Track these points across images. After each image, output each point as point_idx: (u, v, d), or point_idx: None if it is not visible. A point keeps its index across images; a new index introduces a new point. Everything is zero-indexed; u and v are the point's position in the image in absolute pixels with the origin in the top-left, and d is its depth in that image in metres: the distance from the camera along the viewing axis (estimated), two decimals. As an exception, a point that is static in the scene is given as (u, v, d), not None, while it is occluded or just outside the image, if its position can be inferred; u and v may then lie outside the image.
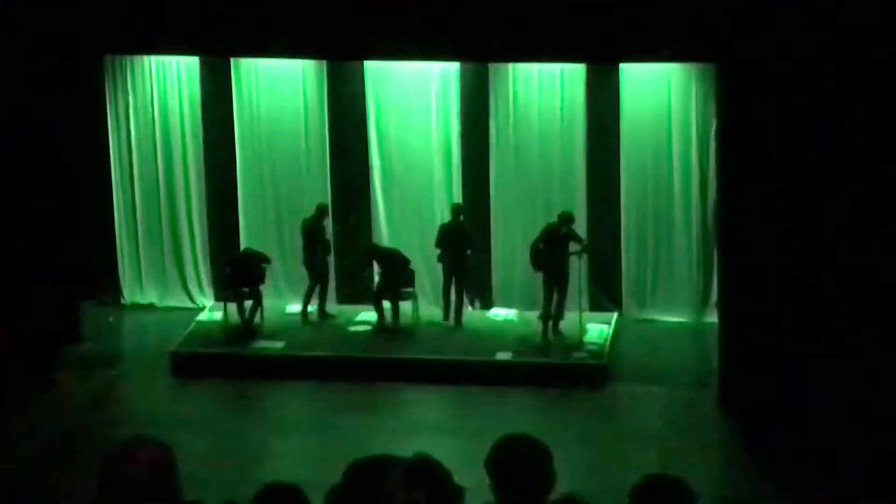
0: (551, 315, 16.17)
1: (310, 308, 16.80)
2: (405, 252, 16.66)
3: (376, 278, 16.90)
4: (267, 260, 16.70)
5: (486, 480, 5.07)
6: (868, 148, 12.30)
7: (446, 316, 16.72)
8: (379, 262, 16.70)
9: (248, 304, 16.53)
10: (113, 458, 3.87)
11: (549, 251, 15.93)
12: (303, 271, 16.87)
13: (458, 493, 5.14)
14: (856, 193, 12.48)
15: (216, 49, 15.88)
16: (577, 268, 16.04)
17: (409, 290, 16.56)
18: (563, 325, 16.25)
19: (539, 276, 16.15)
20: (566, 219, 15.91)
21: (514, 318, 16.91)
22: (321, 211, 16.63)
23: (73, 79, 16.69)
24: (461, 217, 16.53)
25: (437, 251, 16.56)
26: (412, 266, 16.62)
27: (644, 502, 5.59)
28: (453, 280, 16.57)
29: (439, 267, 16.79)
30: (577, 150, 16.81)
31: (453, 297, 16.66)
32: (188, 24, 14.11)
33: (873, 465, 11.74)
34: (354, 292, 17.36)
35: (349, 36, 14.17)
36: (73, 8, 13.64)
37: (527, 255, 16.19)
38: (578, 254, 15.93)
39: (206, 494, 6.94)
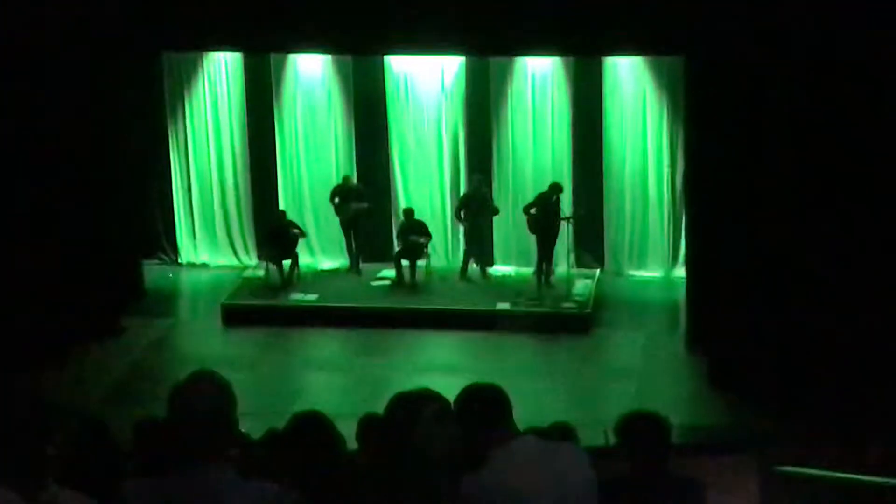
0: (543, 271, 16.18)
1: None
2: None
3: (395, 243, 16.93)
4: (302, 232, 16.69)
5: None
6: (824, 116, 12.19)
7: (463, 274, 16.70)
8: (402, 231, 16.66)
9: (286, 263, 16.57)
10: (180, 390, 3.85)
11: (542, 216, 15.92)
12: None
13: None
14: (807, 161, 12.40)
15: (257, 46, 15.83)
16: (566, 231, 16.04)
17: (422, 240, 16.46)
18: (553, 279, 16.26)
19: (533, 237, 16.18)
20: (556, 188, 15.91)
21: (512, 274, 16.91)
22: (480, 182, 16.46)
23: (139, 71, 16.65)
24: (481, 187, 16.50)
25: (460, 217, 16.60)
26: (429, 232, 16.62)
27: (627, 434, 5.61)
28: (477, 242, 16.56)
29: (450, 230, 16.86)
30: (565, 130, 16.76)
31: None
32: (233, 24, 14.04)
33: (826, 401, 11.70)
34: (376, 253, 17.37)
35: (370, 33, 14.10)
36: (134, 10, 13.56)
37: (522, 220, 16.20)
38: (567, 220, 15.93)
39: (251, 422, 6.98)
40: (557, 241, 16.08)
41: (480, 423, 4.54)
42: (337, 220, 16.95)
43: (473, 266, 16.85)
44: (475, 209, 16.49)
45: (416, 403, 4.55)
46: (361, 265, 17.17)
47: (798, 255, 12.58)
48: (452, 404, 4.58)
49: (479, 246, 16.75)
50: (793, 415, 11.71)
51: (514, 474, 4.45)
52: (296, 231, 16.66)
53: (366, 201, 16.81)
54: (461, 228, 16.93)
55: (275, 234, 16.63)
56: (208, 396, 3.81)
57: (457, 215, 16.71)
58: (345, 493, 4.66)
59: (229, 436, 3.84)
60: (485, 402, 4.61)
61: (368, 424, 5.77)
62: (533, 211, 15.94)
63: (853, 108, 12.05)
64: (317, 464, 4.76)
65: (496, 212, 16.62)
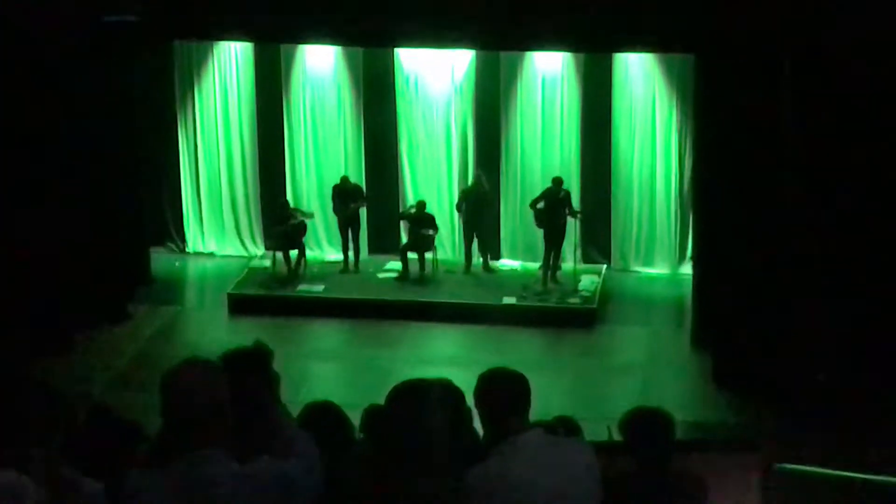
0: (550, 266, 16.19)
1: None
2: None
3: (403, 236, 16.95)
4: (307, 214, 16.70)
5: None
6: (834, 115, 12.16)
7: (467, 267, 16.73)
8: (411, 223, 16.67)
9: (293, 253, 16.59)
10: (169, 377, 3.86)
11: (548, 211, 15.93)
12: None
13: (470, 413, 5.16)
14: (817, 160, 12.38)
15: (266, 36, 15.81)
16: (573, 227, 16.06)
17: (430, 233, 16.46)
18: (559, 274, 16.26)
19: (540, 232, 16.18)
20: (559, 182, 15.90)
21: (519, 268, 16.92)
22: (477, 177, 16.54)
23: (149, 59, 16.68)
24: (481, 182, 16.53)
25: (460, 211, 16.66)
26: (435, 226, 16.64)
27: (631, 430, 5.63)
28: (474, 235, 16.59)
29: (457, 224, 16.90)
30: (574, 127, 16.76)
31: (475, 249, 16.72)
32: (243, 13, 14.04)
33: (830, 400, 11.69)
34: (384, 245, 17.39)
35: (381, 26, 14.09)
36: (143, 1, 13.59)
37: (529, 215, 16.22)
38: (574, 215, 15.95)
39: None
40: (565, 236, 16.09)
41: (500, 409, 4.54)
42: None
43: (479, 259, 16.86)
44: (473, 203, 16.50)
45: (416, 393, 4.57)
46: (368, 257, 17.18)
47: (805, 253, 12.57)
48: (475, 387, 4.60)
49: (481, 240, 16.75)
50: (796, 413, 11.71)
51: (520, 467, 4.45)
52: (296, 222, 16.60)
53: (363, 201, 16.82)
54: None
55: (280, 224, 16.63)
56: (198, 382, 3.81)
57: (457, 208, 16.74)
58: (353, 482, 4.68)
59: (224, 422, 3.84)
60: (506, 388, 4.61)
61: (373, 414, 5.78)
62: (540, 206, 15.95)
63: (866, 108, 12.02)
64: (329, 454, 4.78)
65: (490, 204, 16.58)
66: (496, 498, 4.40)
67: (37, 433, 3.70)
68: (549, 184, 16.08)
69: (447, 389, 5.37)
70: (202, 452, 3.78)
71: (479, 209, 16.53)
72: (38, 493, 3.64)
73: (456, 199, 16.99)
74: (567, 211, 15.94)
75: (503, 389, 4.61)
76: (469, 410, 5.23)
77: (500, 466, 4.45)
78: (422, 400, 4.57)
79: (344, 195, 16.71)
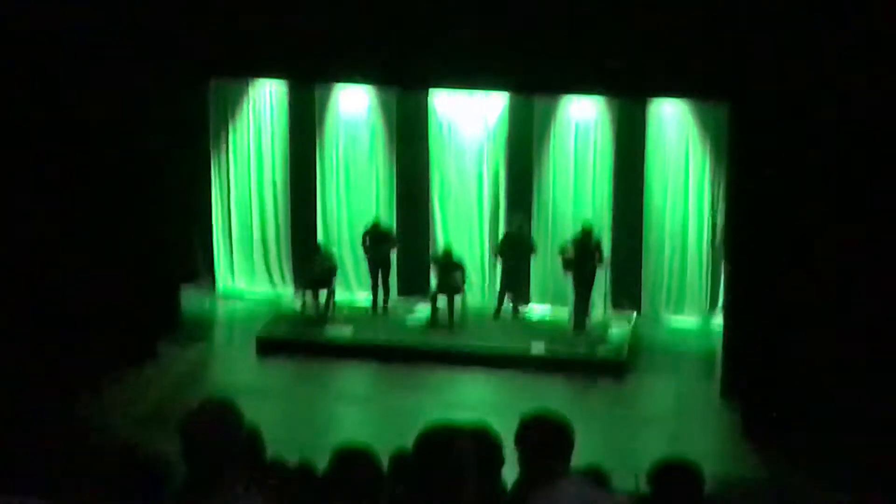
0: (578, 312, 16.11)
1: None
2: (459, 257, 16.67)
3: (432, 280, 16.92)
4: (333, 266, 16.71)
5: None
6: (870, 166, 12.09)
7: (497, 314, 16.68)
8: (439, 268, 16.65)
9: (322, 294, 16.58)
10: (187, 418, 3.86)
11: (578, 258, 15.89)
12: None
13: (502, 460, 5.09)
14: (852, 212, 12.29)
15: (303, 74, 15.89)
16: (604, 275, 16.01)
17: (459, 276, 16.43)
18: (588, 321, 16.18)
19: (570, 278, 16.13)
20: (589, 229, 15.85)
21: (548, 317, 16.84)
22: (519, 220, 16.56)
23: (186, 97, 16.79)
24: (524, 226, 16.50)
25: (498, 258, 16.67)
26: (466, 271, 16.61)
27: (661, 482, 5.54)
28: (511, 284, 16.57)
29: (487, 269, 16.91)
30: (606, 175, 16.73)
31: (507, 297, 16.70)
32: (280, 52, 14.12)
33: (860, 459, 11.54)
34: (414, 288, 17.37)
35: (415, 67, 14.13)
36: (185, 36, 13.66)
37: (559, 260, 16.20)
38: (600, 262, 15.92)
39: (283, 454, 6.95)
40: (594, 283, 16.02)
41: (542, 452, 4.46)
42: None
43: (508, 304, 16.80)
44: (515, 249, 16.48)
45: (443, 438, 4.48)
46: (397, 298, 17.15)
47: (839, 307, 12.46)
48: (518, 428, 4.52)
49: (518, 286, 16.72)
50: (830, 469, 11.56)
51: None
52: (329, 265, 16.64)
53: (394, 244, 16.83)
54: (498, 267, 16.93)
55: (312, 266, 16.63)
56: (211, 422, 3.80)
57: (496, 254, 16.72)
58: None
59: (238, 459, 3.82)
60: (551, 432, 4.54)
61: (400, 461, 5.73)
62: (568, 254, 15.92)
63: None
64: (359, 499, 4.73)
65: (533, 250, 16.59)
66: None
67: (75, 467, 3.72)
68: (578, 230, 16.06)
69: (480, 436, 5.30)
70: (225, 489, 3.75)
71: (522, 255, 16.49)
72: None
73: (488, 244, 16.96)
74: (596, 258, 15.89)
75: (548, 432, 4.53)
76: (502, 459, 5.16)
77: None
78: (449, 446, 4.48)
79: (376, 239, 16.73)
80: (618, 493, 4.87)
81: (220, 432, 3.80)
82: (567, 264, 15.98)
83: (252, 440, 5.93)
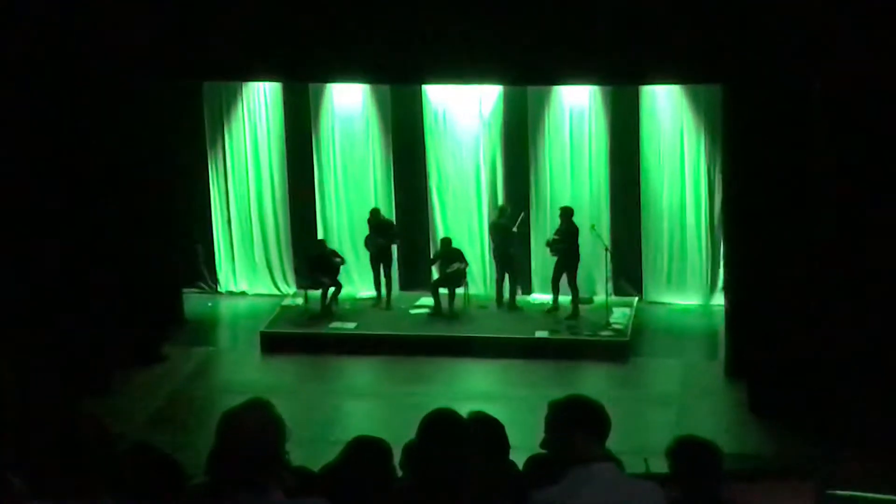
0: (567, 292, 16.16)
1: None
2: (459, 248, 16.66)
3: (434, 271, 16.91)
4: (341, 259, 16.71)
5: (527, 437, 4.98)
6: (864, 144, 12.06)
7: (499, 302, 16.68)
8: (440, 258, 16.63)
9: (330, 290, 16.56)
10: (231, 417, 3.85)
11: (561, 241, 15.92)
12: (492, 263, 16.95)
13: (507, 445, 5.07)
14: (849, 189, 12.27)
15: (294, 75, 15.83)
16: (604, 259, 16.02)
17: (460, 266, 16.40)
18: (587, 308, 16.14)
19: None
20: (565, 211, 15.98)
21: (549, 303, 16.81)
22: (503, 211, 16.50)
23: (180, 100, 16.76)
24: (504, 217, 16.50)
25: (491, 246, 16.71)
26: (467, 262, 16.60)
27: (680, 459, 5.52)
28: (505, 271, 16.55)
29: (487, 258, 16.90)
30: (602, 160, 16.72)
31: (506, 285, 16.68)
32: (271, 54, 14.07)
33: (870, 426, 11.55)
34: (415, 281, 17.37)
35: (408, 63, 14.09)
36: (177, 40, 13.61)
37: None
38: (605, 248, 15.93)
39: (290, 449, 6.93)
40: (578, 266, 16.13)
41: (579, 433, 4.43)
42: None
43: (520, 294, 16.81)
44: (499, 237, 16.46)
45: (446, 422, 4.48)
46: (399, 293, 17.15)
47: (838, 281, 12.46)
48: (552, 409, 4.50)
49: (511, 275, 16.68)
50: (837, 440, 11.57)
51: (589, 497, 4.33)
52: (337, 259, 16.68)
53: (396, 235, 16.81)
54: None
55: (317, 262, 16.62)
56: (256, 423, 3.81)
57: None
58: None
59: (278, 463, 3.83)
60: (587, 412, 4.51)
61: (412, 451, 5.72)
62: (555, 238, 16.04)
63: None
64: (373, 490, 4.73)
65: (515, 236, 16.54)
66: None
67: (87, 466, 3.70)
68: (579, 218, 16.10)
69: (481, 419, 5.28)
70: (259, 489, 3.77)
71: (505, 243, 16.48)
72: None
73: (487, 234, 16.97)
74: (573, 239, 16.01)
75: (584, 413, 4.51)
76: (507, 441, 5.14)
77: (570, 492, 4.33)
78: (452, 430, 4.48)
79: (375, 228, 16.68)
80: (654, 483, 4.82)
81: (263, 433, 3.81)
82: (553, 247, 16.01)
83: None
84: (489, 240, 16.75)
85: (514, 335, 15.73)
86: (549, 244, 16.17)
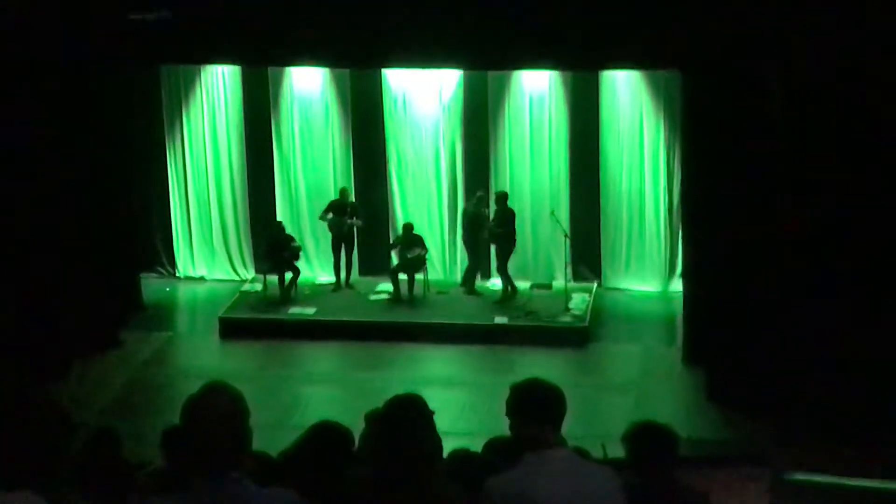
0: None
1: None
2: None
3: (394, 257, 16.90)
4: (298, 245, 16.66)
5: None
6: (821, 129, 12.14)
7: (471, 289, 16.70)
8: (400, 244, 16.62)
9: (287, 275, 16.52)
10: (195, 401, 3.82)
11: (500, 227, 16.01)
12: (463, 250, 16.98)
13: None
14: (804, 175, 12.36)
15: (255, 60, 15.77)
16: (563, 245, 16.07)
17: (419, 252, 16.42)
18: (545, 294, 16.21)
19: (530, 251, 16.23)
20: (503, 196, 16.14)
21: (501, 291, 16.81)
22: (480, 199, 16.51)
23: (137, 84, 16.65)
24: (482, 204, 16.52)
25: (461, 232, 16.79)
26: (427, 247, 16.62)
27: (636, 444, 5.56)
28: (475, 260, 16.64)
29: (447, 244, 16.93)
30: (562, 145, 16.76)
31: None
32: (230, 37, 14.00)
33: (825, 412, 11.66)
34: (374, 267, 17.36)
35: (368, 47, 14.06)
36: (133, 24, 13.50)
37: (519, 235, 16.27)
38: (564, 234, 15.98)
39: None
40: (513, 252, 16.30)
41: (534, 418, 4.46)
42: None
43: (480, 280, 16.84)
44: (473, 225, 16.49)
45: (412, 405, 4.52)
46: (359, 278, 17.13)
47: (795, 268, 12.55)
48: (511, 395, 4.53)
49: (471, 262, 16.73)
50: (791, 426, 11.67)
51: (545, 483, 4.35)
52: (294, 245, 16.64)
53: (360, 218, 16.78)
54: (459, 243, 16.95)
55: (275, 246, 16.57)
56: (223, 407, 3.79)
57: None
58: (355, 499, 4.62)
59: (244, 447, 3.81)
60: (543, 397, 4.53)
61: (374, 417, 5.75)
62: (492, 224, 16.17)
63: (852, 121, 12.02)
64: (333, 472, 4.74)
65: (488, 227, 16.57)
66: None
67: (48, 453, 3.67)
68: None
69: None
70: (227, 474, 3.74)
71: (480, 232, 16.50)
72: None
73: (447, 220, 16.99)
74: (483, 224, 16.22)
75: (541, 398, 4.53)
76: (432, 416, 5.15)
77: (521, 480, 4.35)
78: (414, 404, 4.55)
79: (340, 210, 16.63)
80: (610, 468, 4.86)
81: (231, 418, 3.78)
82: (492, 232, 16.14)
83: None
84: (460, 227, 16.72)
85: (473, 321, 15.75)
86: (489, 231, 16.18)
